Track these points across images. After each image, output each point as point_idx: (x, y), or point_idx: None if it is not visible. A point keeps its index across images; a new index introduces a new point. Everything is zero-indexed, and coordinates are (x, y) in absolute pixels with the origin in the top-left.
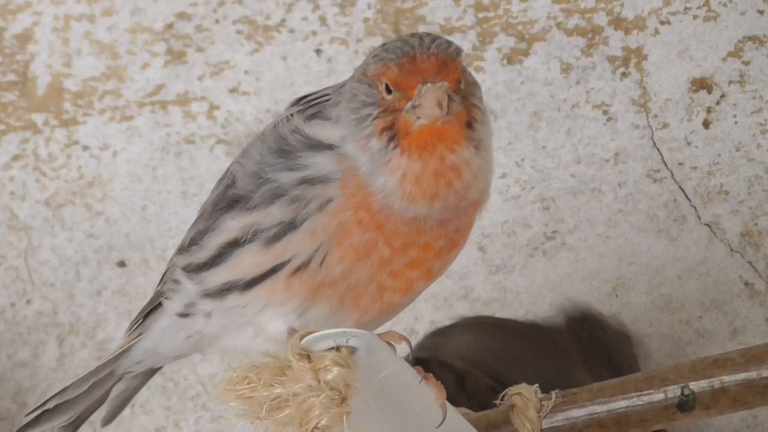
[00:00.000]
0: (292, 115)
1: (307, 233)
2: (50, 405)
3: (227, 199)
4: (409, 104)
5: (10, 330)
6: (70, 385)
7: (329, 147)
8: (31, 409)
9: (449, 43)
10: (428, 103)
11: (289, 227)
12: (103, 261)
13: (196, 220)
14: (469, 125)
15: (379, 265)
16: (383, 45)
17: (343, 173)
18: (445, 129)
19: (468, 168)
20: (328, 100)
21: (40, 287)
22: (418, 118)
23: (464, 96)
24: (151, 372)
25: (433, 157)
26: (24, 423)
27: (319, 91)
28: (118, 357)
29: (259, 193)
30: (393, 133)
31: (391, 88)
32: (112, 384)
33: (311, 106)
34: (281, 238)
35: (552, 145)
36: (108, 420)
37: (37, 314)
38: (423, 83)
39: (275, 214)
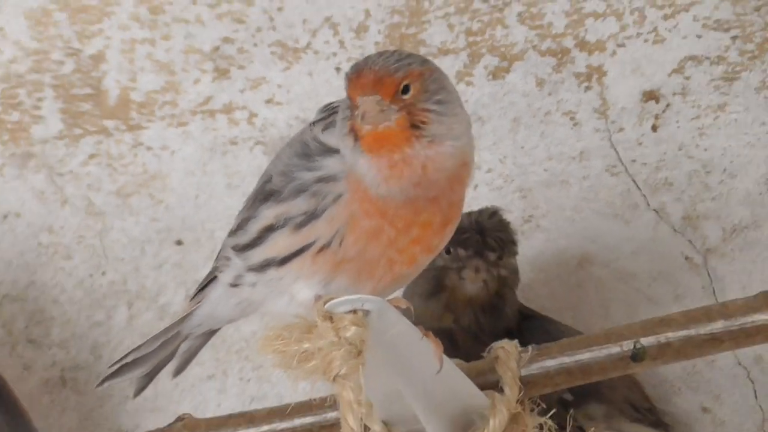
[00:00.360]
0: (314, 123)
1: (327, 221)
2: (129, 359)
3: (264, 193)
4: (357, 112)
5: (88, 296)
6: (145, 342)
7: (336, 151)
8: (106, 361)
9: (399, 61)
10: (361, 113)
11: (312, 216)
12: (163, 240)
13: (242, 209)
14: (416, 126)
15: (387, 244)
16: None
17: (347, 173)
18: (386, 133)
19: (418, 158)
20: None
21: (113, 261)
22: (363, 125)
23: (411, 103)
24: (211, 333)
25: (385, 155)
26: (108, 373)
27: (340, 100)
28: (182, 320)
29: (288, 188)
30: (355, 134)
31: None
32: (179, 342)
33: (331, 114)
34: (306, 224)
35: (529, 145)
36: (178, 371)
37: (110, 283)
38: (362, 96)
39: (300, 205)
